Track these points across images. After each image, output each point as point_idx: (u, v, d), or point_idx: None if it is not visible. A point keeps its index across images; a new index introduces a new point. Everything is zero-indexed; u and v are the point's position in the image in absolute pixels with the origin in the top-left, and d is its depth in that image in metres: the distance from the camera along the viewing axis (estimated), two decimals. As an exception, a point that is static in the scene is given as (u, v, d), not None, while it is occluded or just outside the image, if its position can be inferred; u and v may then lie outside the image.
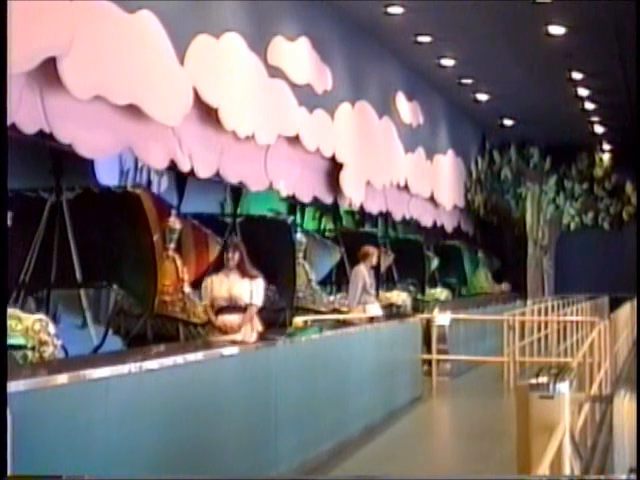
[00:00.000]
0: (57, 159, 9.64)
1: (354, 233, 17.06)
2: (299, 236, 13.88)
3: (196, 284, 9.85)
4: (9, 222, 8.05)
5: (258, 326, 8.99)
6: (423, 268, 19.33)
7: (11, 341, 6.70)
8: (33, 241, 9.18)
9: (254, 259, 12.51)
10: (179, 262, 10.15)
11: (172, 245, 10.21)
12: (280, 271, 12.41)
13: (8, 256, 6.52)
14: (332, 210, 16.94)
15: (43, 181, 9.87)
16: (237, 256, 8.79)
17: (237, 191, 13.67)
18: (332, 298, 13.88)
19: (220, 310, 8.80)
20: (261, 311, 8.92)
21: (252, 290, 8.78)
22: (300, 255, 13.63)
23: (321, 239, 16.01)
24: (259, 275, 8.90)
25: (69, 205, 9.47)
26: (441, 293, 19.77)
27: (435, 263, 20.79)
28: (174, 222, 10.21)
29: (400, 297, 16.23)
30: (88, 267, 9.47)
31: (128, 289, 9.74)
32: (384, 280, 17.20)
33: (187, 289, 10.13)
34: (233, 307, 8.75)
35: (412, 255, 18.86)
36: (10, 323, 6.82)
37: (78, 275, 9.49)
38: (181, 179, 12.35)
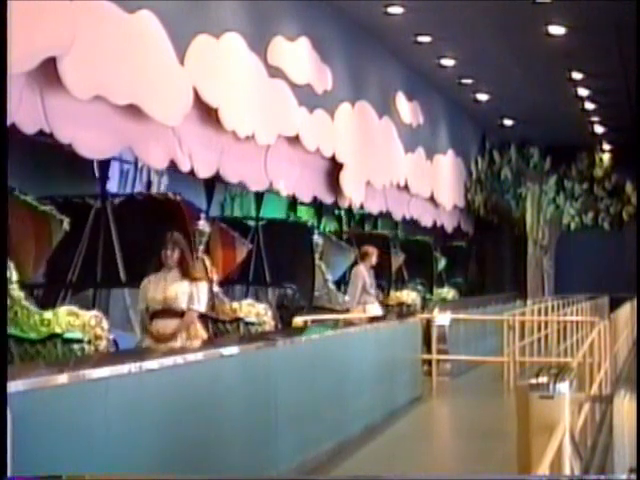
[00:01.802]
0: (103, 167, 10.42)
1: (367, 235, 17.75)
2: (316, 238, 14.23)
3: (224, 284, 10.78)
4: (66, 227, 8.91)
5: (201, 334, 7.91)
6: (432, 268, 20.00)
7: (70, 335, 7.49)
8: (80, 243, 9.68)
9: (275, 260, 13.26)
10: (208, 263, 10.51)
11: (201, 247, 10.62)
12: (300, 272, 13.18)
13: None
14: (347, 212, 17.68)
15: (88, 188, 10.79)
16: (177, 254, 7.73)
17: (259, 196, 14.22)
18: (347, 298, 14.02)
19: (154, 315, 7.72)
20: (282, 309, 8.96)
21: (193, 293, 7.69)
22: (317, 256, 14.00)
23: (337, 241, 16.43)
24: (204, 277, 8.01)
25: (113, 210, 10.04)
26: (448, 293, 20.32)
27: (442, 263, 21.32)
28: (204, 225, 10.65)
29: (410, 296, 16.80)
30: (132, 268, 9.90)
31: None
32: (394, 280, 17.74)
33: (215, 288, 10.51)
34: (168, 311, 7.67)
35: (421, 256, 19.47)
36: (69, 319, 7.57)
37: (122, 275, 9.99)
38: (209, 184, 12.91)
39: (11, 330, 7.36)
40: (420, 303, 16.75)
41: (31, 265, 8.66)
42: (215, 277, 10.63)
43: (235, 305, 10.73)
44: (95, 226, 10.02)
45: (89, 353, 7.50)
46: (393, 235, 19.02)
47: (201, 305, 7.76)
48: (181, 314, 7.67)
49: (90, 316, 7.73)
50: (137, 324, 9.46)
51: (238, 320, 10.57)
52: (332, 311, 13.08)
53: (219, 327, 10.43)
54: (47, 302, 8.37)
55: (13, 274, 7.52)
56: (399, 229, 20.45)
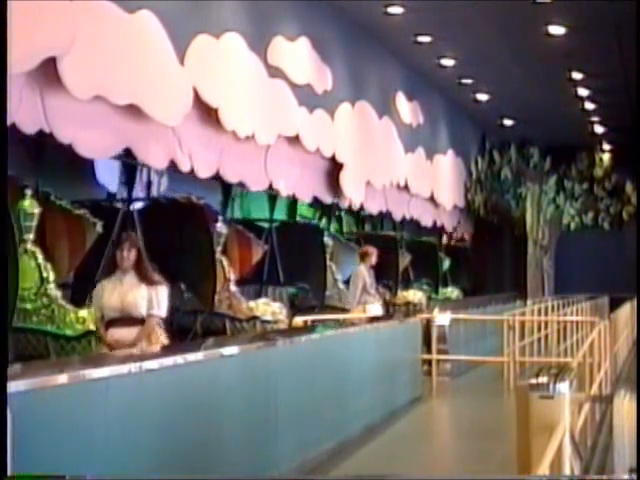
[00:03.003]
0: (130, 173, 10.94)
1: (375, 236, 18.11)
2: (326, 239, 14.67)
3: (240, 283, 11.21)
4: (99, 230, 9.30)
5: (160, 342, 7.32)
6: (437, 269, 20.51)
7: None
8: (107, 245, 9.98)
9: (288, 260, 13.66)
10: (225, 263, 10.95)
11: (219, 248, 11.06)
12: (312, 272, 13.60)
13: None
14: (355, 214, 18.12)
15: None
16: (133, 254, 7.10)
17: (273, 198, 14.64)
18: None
19: (111, 323, 7.08)
20: (294, 307, 9.14)
21: (152, 297, 7.10)
22: (327, 257, 14.43)
23: (345, 242, 16.81)
24: (162, 281, 7.30)
25: (139, 213, 10.56)
26: (452, 292, 20.82)
27: (447, 264, 21.67)
28: (221, 227, 11.08)
29: (417, 296, 17.25)
30: (158, 268, 10.06)
31: (193, 288, 10.71)
32: (401, 280, 18.11)
33: (233, 288, 10.94)
34: (126, 319, 7.04)
35: (427, 256, 19.93)
36: None
37: None
38: (227, 188, 13.31)
39: (48, 327, 7.71)
40: (426, 302, 17.13)
41: (66, 266, 8.96)
42: (232, 277, 10.93)
43: (252, 304, 11.09)
44: (122, 228, 10.32)
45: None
46: (400, 236, 19.30)
47: (161, 310, 7.14)
48: (141, 321, 7.07)
49: None
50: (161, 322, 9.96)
51: (254, 319, 10.93)
52: (343, 310, 13.45)
53: (236, 325, 10.77)
54: (77, 301, 8.64)
55: (50, 274, 7.83)
56: (404, 230, 20.66)
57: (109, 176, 11.87)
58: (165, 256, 10.04)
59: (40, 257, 7.91)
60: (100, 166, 11.54)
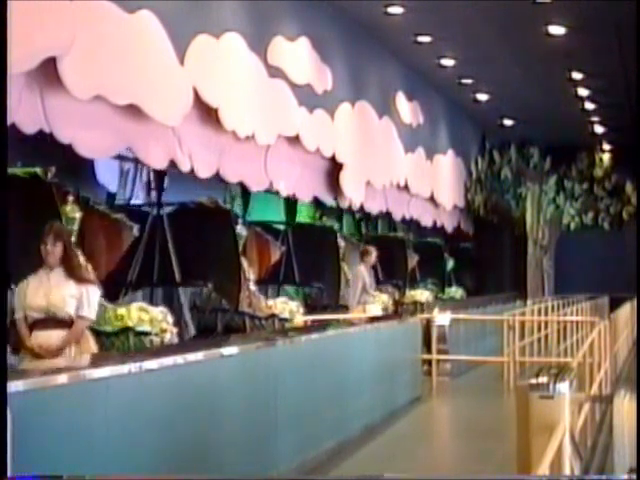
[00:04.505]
0: (159, 178, 11.39)
1: (384, 237, 18.72)
2: (338, 240, 15.01)
3: (258, 283, 11.76)
4: (135, 233, 9.81)
5: (92, 348, 6.65)
6: (443, 269, 21.00)
7: (140, 329, 8.23)
8: (138, 247, 10.46)
9: (304, 261, 14.19)
10: (245, 264, 11.34)
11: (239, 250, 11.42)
12: (326, 272, 14.14)
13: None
14: (366, 216, 18.58)
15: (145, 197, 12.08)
16: (59, 249, 6.34)
17: (289, 201, 15.03)
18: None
19: (35, 325, 6.32)
20: (310, 307, 9.40)
21: (82, 297, 6.35)
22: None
23: (356, 243, 17.05)
24: (95, 281, 6.73)
25: (168, 217, 11.00)
26: (456, 292, 20.94)
27: (451, 264, 21.83)
28: (241, 229, 11.41)
29: (424, 295, 17.38)
30: (186, 268, 10.85)
31: (219, 288, 11.13)
32: (409, 280, 18.52)
33: (252, 287, 11.33)
34: (52, 320, 6.30)
35: (433, 257, 20.34)
36: (140, 314, 8.29)
37: (177, 276, 10.81)
38: (246, 192, 13.72)
39: None
40: (433, 302, 17.24)
41: (104, 267, 9.31)
42: (252, 277, 11.34)
43: (270, 303, 11.53)
44: (152, 231, 10.82)
45: (156, 344, 8.21)
46: (408, 237, 19.59)
47: (92, 312, 6.41)
48: (69, 323, 6.34)
49: (158, 312, 8.48)
50: (190, 321, 10.65)
51: (273, 316, 11.37)
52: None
53: (255, 323, 11.22)
54: (110, 300, 8.99)
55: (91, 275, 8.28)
56: (411, 231, 20.96)
57: (109, 176, 11.92)
58: (193, 257, 10.84)
59: (81, 258, 8.04)
60: (102, 166, 11.60)
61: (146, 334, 8.26)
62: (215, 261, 10.99)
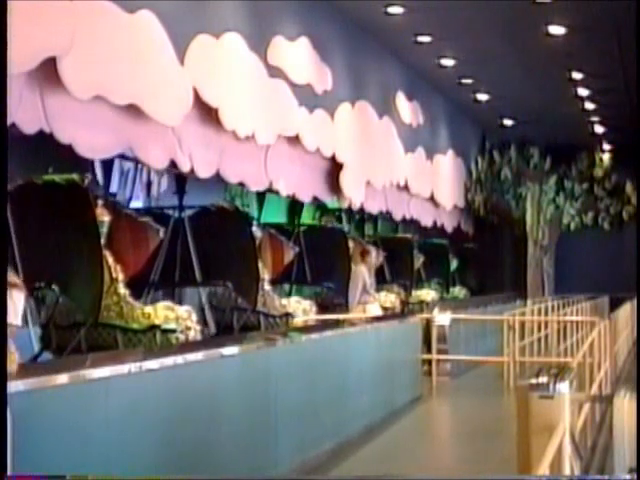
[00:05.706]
0: (181, 182, 11.68)
1: (391, 238, 19.01)
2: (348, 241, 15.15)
3: (272, 282, 12.03)
4: (161, 235, 10.24)
5: (15, 359, 5.20)
6: (448, 269, 21.12)
7: (166, 326, 8.53)
8: (161, 248, 10.72)
9: (315, 261, 14.42)
10: (260, 265, 11.55)
11: None
12: (336, 272, 14.27)
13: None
14: (373, 218, 19.05)
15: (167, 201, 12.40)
16: None
17: (298, 203, 15.34)
18: (376, 296, 15.02)
19: None
20: (322, 306, 9.56)
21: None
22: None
23: (365, 244, 17.08)
24: (21, 285, 5.34)
25: (189, 220, 11.28)
26: (460, 292, 21.25)
27: (454, 264, 21.96)
28: (256, 231, 11.66)
29: (429, 295, 17.73)
30: (206, 269, 11.13)
31: (239, 289, 11.40)
32: (414, 280, 18.64)
33: (267, 287, 11.60)
34: None
35: (437, 257, 20.44)
36: (166, 312, 8.60)
37: (198, 276, 11.08)
38: (260, 195, 14.01)
39: (117, 322, 8.51)
40: (438, 302, 17.44)
41: (130, 267, 9.56)
42: (266, 277, 11.62)
43: (284, 302, 11.76)
44: (174, 233, 11.07)
45: (181, 341, 8.46)
46: (414, 238, 19.63)
47: (17, 318, 5.20)
48: None
49: (183, 310, 8.79)
50: (211, 320, 10.99)
51: (287, 315, 11.61)
52: None
53: (270, 321, 11.56)
54: (136, 299, 9.18)
55: (119, 275, 8.52)
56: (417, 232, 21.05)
57: (109, 176, 11.97)
58: (214, 259, 11.14)
59: (110, 259, 8.50)
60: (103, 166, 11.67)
61: (172, 332, 8.59)
62: (234, 262, 11.28)
